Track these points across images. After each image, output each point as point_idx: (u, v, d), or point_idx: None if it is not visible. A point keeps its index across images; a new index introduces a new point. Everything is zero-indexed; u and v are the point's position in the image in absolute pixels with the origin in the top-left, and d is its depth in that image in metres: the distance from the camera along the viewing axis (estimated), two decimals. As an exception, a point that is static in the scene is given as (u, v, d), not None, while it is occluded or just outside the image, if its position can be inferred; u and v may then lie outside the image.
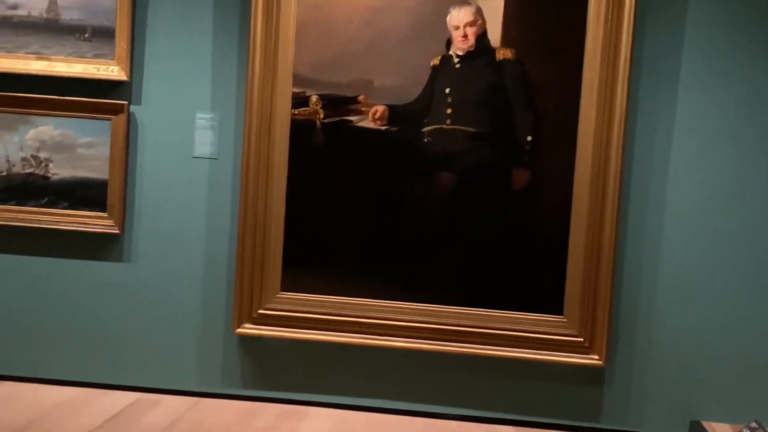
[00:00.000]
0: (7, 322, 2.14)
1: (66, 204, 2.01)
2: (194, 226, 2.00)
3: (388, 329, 2.01)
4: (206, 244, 2.01)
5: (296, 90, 1.92)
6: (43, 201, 2.01)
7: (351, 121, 1.94)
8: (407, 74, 1.97)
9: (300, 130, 1.93)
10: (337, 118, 1.92)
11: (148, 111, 1.98)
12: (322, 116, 1.93)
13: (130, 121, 1.98)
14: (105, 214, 2.00)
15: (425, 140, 1.99)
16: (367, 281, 2.00)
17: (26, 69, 2.03)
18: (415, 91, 1.97)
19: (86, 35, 1.97)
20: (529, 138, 1.96)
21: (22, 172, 2.03)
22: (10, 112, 2.03)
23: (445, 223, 1.99)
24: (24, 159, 2.03)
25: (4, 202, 2.03)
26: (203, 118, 1.99)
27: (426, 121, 1.97)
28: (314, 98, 1.95)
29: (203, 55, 1.96)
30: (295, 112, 1.94)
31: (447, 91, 1.98)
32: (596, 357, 1.97)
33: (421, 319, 2.01)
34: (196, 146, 1.99)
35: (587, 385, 1.99)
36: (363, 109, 1.92)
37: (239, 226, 1.93)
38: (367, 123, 1.92)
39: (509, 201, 1.97)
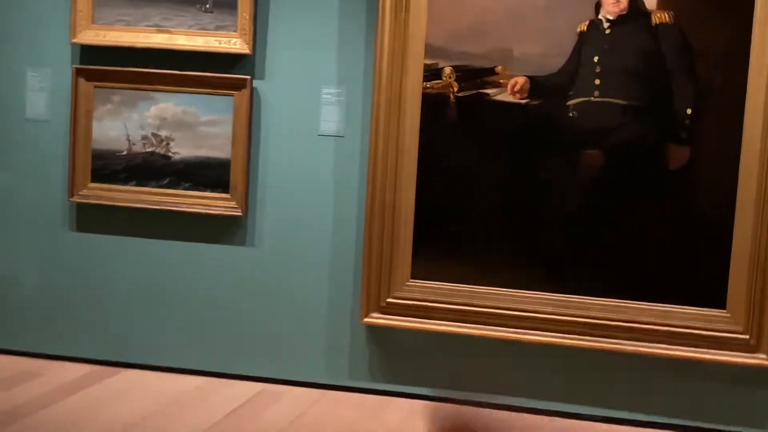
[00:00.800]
0: (128, 306, 3.11)
1: (188, 185, 2.92)
2: (320, 208, 2.84)
3: (527, 321, 2.75)
4: (332, 227, 2.84)
5: (428, 62, 2.68)
6: (165, 182, 2.94)
7: (488, 94, 2.66)
8: (550, 42, 2.69)
9: (432, 105, 2.66)
10: (473, 92, 2.64)
11: (272, 86, 2.84)
12: (456, 89, 2.66)
13: (253, 96, 2.85)
14: (228, 196, 2.89)
15: (570, 114, 2.70)
16: (505, 269, 2.74)
17: (146, 42, 3.01)
18: (559, 61, 2.69)
19: (207, 6, 2.86)
20: (689, 111, 2.60)
21: (143, 151, 2.98)
22: (130, 89, 3.01)
23: (592, 207, 2.70)
24: (144, 137, 2.98)
25: (125, 182, 3.02)
26: (329, 93, 2.83)
27: (571, 93, 2.68)
28: (448, 70, 2.73)
29: (329, 26, 2.76)
30: (427, 86, 2.68)
31: (595, 59, 2.70)
32: (764, 356, 2.61)
33: (563, 311, 2.75)
34: (321, 123, 2.83)
35: (753, 387, 2.65)
36: (501, 81, 2.63)
37: (367, 209, 2.71)
38: (506, 96, 2.62)
39: (665, 182, 2.64)
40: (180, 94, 2.93)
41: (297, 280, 2.89)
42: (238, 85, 2.83)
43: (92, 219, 3.01)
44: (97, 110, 2.97)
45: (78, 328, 3.07)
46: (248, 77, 2.81)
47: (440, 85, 2.71)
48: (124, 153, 2.99)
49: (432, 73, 2.72)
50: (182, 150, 2.95)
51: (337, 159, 2.86)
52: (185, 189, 2.94)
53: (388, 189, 2.77)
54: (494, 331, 2.76)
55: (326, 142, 2.86)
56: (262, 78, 2.87)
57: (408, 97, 2.72)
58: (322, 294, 2.93)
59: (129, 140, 3.02)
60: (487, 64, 2.69)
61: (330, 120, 2.84)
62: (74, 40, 2.94)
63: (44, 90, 3.04)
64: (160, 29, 3.03)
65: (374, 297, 2.81)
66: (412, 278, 2.78)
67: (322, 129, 2.84)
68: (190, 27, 2.97)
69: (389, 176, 2.76)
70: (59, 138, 3.01)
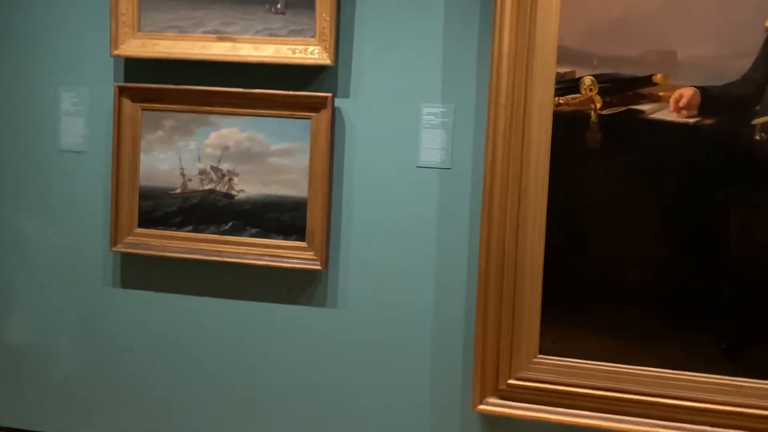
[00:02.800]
0: (181, 381, 2.87)
1: (254, 231, 2.65)
2: (420, 261, 2.56)
3: (702, 414, 2.40)
4: (436, 285, 2.55)
5: (561, 70, 2.36)
6: (227, 227, 2.68)
7: (642, 111, 2.33)
8: (728, 41, 2.32)
9: (567, 126, 2.36)
10: (622, 108, 2.32)
11: (359, 105, 2.55)
12: (599, 106, 2.33)
13: (335, 119, 2.55)
14: (304, 244, 2.61)
15: (756, 137, 2.34)
16: (669, 344, 2.39)
17: (204, 54, 2.71)
18: (740, 66, 2.32)
19: (278, 6, 2.56)
20: None
21: (201, 188, 2.71)
22: (184, 111, 2.71)
23: None
24: (202, 171, 2.71)
25: (179, 227, 2.75)
26: (432, 114, 2.53)
27: (758, 109, 2.32)
28: (588, 80, 2.38)
29: (431, 27, 2.47)
30: (561, 102, 2.37)
31: None
32: None
33: (746, 401, 2.39)
34: (422, 152, 2.54)
35: None
36: (661, 93, 2.30)
37: (481, 263, 2.40)
38: (668, 114, 2.30)
39: None
40: (245, 117, 2.66)
41: (391, 352, 2.62)
42: (318, 105, 2.56)
43: (140, 272, 2.80)
44: (145, 138, 2.73)
45: (120, 405, 2.89)
46: (329, 95, 2.53)
47: (578, 100, 2.41)
48: (178, 191, 2.75)
49: (567, 84, 2.41)
50: (248, 187, 2.69)
51: (442, 197, 2.58)
52: (252, 236, 2.69)
53: (508, 237, 2.47)
54: (653, 426, 2.47)
55: (428, 175, 2.57)
56: (346, 96, 2.60)
57: (535, 117, 2.43)
58: (424, 372, 2.65)
59: (184, 175, 2.76)
60: (641, 72, 2.36)
61: (433, 148, 2.57)
62: (116, 52, 2.69)
63: (80, 114, 2.82)
64: (220, 36, 2.73)
65: (491, 378, 2.55)
66: (541, 353, 2.51)
67: (423, 159, 2.57)
68: (257, 33, 2.67)
69: (510, 221, 2.46)
70: (99, 173, 2.81)
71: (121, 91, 2.70)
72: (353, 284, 2.64)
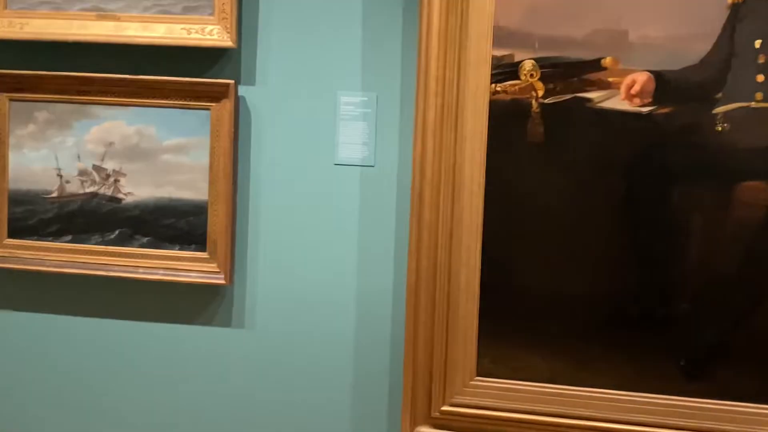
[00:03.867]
0: (62, 411, 2.56)
1: (145, 240, 2.38)
2: (340, 272, 2.32)
3: None
4: (359, 301, 2.33)
5: (499, 53, 2.12)
6: (113, 236, 2.40)
7: (590, 99, 2.11)
8: (686, 19, 2.10)
9: (505, 116, 2.14)
10: (567, 96, 2.11)
11: (266, 94, 2.30)
12: (541, 93, 2.11)
13: (239, 110, 2.28)
14: (205, 254, 2.35)
15: (718, 128, 2.13)
16: (618, 361, 2.15)
17: (82, 34, 2.36)
18: (699, 48, 2.10)
19: None
20: None
21: (81, 192, 2.41)
22: (61, 101, 2.39)
23: (756, 267, 2.13)
24: (83, 172, 2.41)
25: (57, 237, 2.43)
26: (350, 104, 2.28)
27: (719, 96, 2.10)
28: (528, 65, 2.13)
29: (349, 5, 2.24)
30: (498, 89, 2.14)
31: (757, 44, 2.10)
32: None
33: (708, 425, 2.18)
34: (340, 147, 2.31)
35: None
36: (611, 79, 2.08)
37: (410, 273, 2.14)
38: (618, 102, 2.09)
39: None
40: (133, 109, 2.38)
41: (307, 379, 2.38)
42: (218, 94, 2.30)
43: (11, 291, 2.52)
44: (13, 134, 2.44)
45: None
46: (231, 82, 2.27)
47: (517, 87, 2.17)
48: (55, 195, 2.47)
49: (505, 69, 2.17)
50: (137, 189, 2.42)
51: (364, 199, 2.34)
52: (142, 246, 2.42)
53: (441, 244, 2.21)
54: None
55: (347, 175, 2.34)
56: (251, 83, 2.35)
57: (469, 107, 2.17)
58: (344, 400, 2.43)
59: (61, 176, 2.49)
60: (588, 55, 2.12)
61: (352, 143, 2.34)
62: None
63: (-68, 107, 2.39)
64: (101, 14, 2.41)
65: (422, 404, 2.30)
66: (479, 375, 2.28)
67: (341, 156, 2.34)
68: (145, 10, 2.37)
69: (443, 225, 2.21)
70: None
71: (-15, 79, 2.27)
72: (262, 301, 2.40)
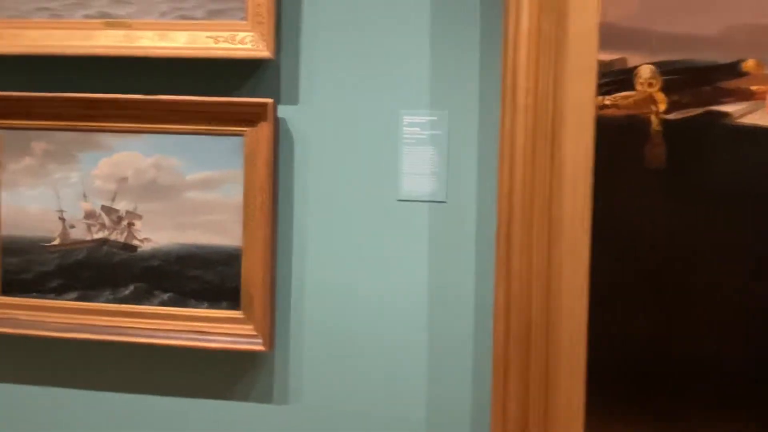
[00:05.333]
0: None
1: (166, 296, 2.09)
2: (407, 335, 2.04)
3: None
4: (429, 372, 2.03)
5: (607, 57, 1.86)
6: (127, 291, 2.10)
7: (726, 114, 1.85)
8: None
9: (616, 137, 1.88)
10: (697, 110, 1.86)
11: (311, 115, 2.03)
12: (663, 107, 1.86)
13: (278, 135, 2.01)
14: (239, 314, 2.05)
15: None
16: None
17: (86, 47, 2.04)
18: None
19: None
20: None
21: (88, 238, 2.12)
22: (61, 128, 2.09)
23: None
24: (90, 214, 2.12)
25: (59, 294, 2.12)
26: (416, 125, 2.00)
27: None
28: (646, 71, 1.87)
29: (415, 4, 1.97)
30: (607, 103, 1.89)
31: None
32: None
33: None
34: (404, 179, 2.01)
35: None
36: (753, 88, 1.82)
37: (497, 338, 1.88)
38: (763, 117, 1.82)
39: None
40: (150, 136, 2.08)
41: None
42: (253, 116, 2.00)
43: (4, 359, 2.23)
44: (6, 169, 2.14)
45: None
46: (270, 101, 1.98)
47: (632, 99, 1.92)
48: (57, 243, 2.16)
49: (615, 77, 1.91)
50: (156, 234, 2.10)
51: (435, 245, 2.03)
52: (163, 303, 2.10)
53: (536, 298, 1.90)
54: None
55: (413, 213, 2.03)
56: (293, 101, 2.05)
57: (569, 126, 1.86)
58: None
59: (64, 220, 2.17)
60: (723, 57, 1.85)
61: (419, 173, 2.02)
62: None
63: None
64: (109, 22, 2.08)
65: None
66: None
67: (405, 190, 2.03)
68: (162, 15, 2.05)
69: (537, 275, 1.90)
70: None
71: (-29, 103, 2.05)
72: (310, 370, 2.10)
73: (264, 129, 1.99)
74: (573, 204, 1.88)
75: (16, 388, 2.25)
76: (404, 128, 2.01)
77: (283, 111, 2.03)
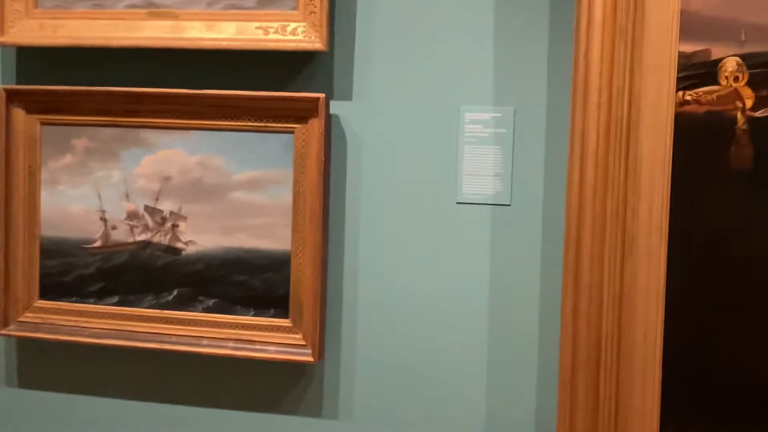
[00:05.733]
0: None
1: (211, 302, 2.02)
2: (465, 348, 1.95)
3: None
4: (489, 388, 1.94)
5: (688, 49, 1.74)
6: (170, 297, 2.04)
7: None
8: None
9: (697, 137, 1.76)
10: None
11: (366, 112, 1.96)
12: (749, 104, 1.72)
13: (331, 132, 1.94)
14: (287, 322, 1.98)
15: None
16: None
17: (130, 38, 1.96)
18: None
19: None
20: None
21: (130, 240, 2.06)
22: (104, 124, 2.03)
23: None
24: (132, 214, 2.05)
25: (100, 298, 2.06)
26: (478, 122, 1.91)
27: None
28: (731, 64, 1.73)
29: None
30: (688, 98, 1.76)
31: None
32: None
33: None
34: (463, 180, 1.93)
35: None
36: None
37: (564, 355, 1.78)
38: None
39: None
40: (195, 133, 2.00)
41: None
42: (304, 112, 1.93)
43: (43, 366, 2.16)
44: (46, 166, 2.07)
45: None
46: (322, 96, 1.89)
47: (716, 95, 1.76)
48: (98, 244, 2.09)
49: (697, 71, 1.76)
50: (201, 237, 2.03)
51: (497, 251, 1.93)
52: (207, 310, 2.03)
53: (607, 312, 1.79)
54: None
55: (474, 216, 1.93)
56: (347, 97, 1.97)
57: (645, 124, 1.76)
58: None
59: (105, 221, 2.09)
60: None
61: (481, 173, 1.94)
62: (1, 39, 2.02)
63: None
64: (153, 12, 1.99)
65: None
66: None
67: (466, 192, 1.94)
68: (209, 5, 1.97)
69: (609, 286, 1.79)
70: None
71: (9, 97, 2.04)
72: (361, 383, 2.02)
73: (315, 126, 1.91)
74: (649, 210, 1.77)
75: (54, 396, 2.19)
76: (465, 126, 1.92)
77: (335, 107, 1.95)
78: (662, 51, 1.75)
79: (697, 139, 1.78)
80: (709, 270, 1.79)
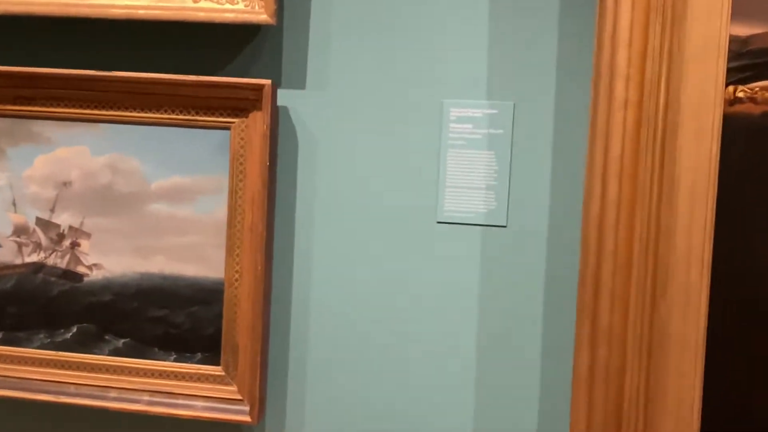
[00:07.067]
0: None
1: (121, 343, 1.75)
2: (449, 408, 1.69)
3: None
4: None
5: (742, 31, 1.50)
6: (68, 335, 1.77)
7: None
8: None
9: (753, 143, 1.53)
10: None
11: (323, 104, 1.69)
12: None
13: (278, 129, 1.68)
14: (218, 370, 1.71)
15: None
16: None
17: (18, 4, 1.67)
18: None
19: None
20: None
21: (17, 262, 1.77)
22: None
23: None
24: (20, 229, 1.76)
25: None
26: (468, 120, 1.63)
27: None
28: None
29: None
30: (741, 95, 1.54)
31: None
32: None
33: None
34: (446, 193, 1.66)
35: None
36: None
37: (574, 411, 1.54)
38: None
39: None
40: (104, 127, 1.71)
41: None
42: (243, 103, 1.65)
43: None
44: None
45: None
46: (267, 82, 1.61)
47: None
48: None
49: (753, 60, 1.50)
50: (109, 260, 1.73)
51: (489, 284, 1.64)
52: (116, 353, 1.75)
53: (631, 366, 1.52)
54: None
55: (460, 239, 1.64)
56: (299, 85, 1.68)
57: (686, 126, 1.48)
58: None
59: None
60: None
61: (469, 186, 1.65)
62: None
63: None
64: None
65: None
66: None
67: (449, 209, 1.65)
68: None
69: (635, 335, 1.52)
70: None
71: None
72: None
73: (258, 121, 1.64)
74: (688, 237, 1.49)
75: None
76: (450, 125, 1.64)
77: (285, 97, 1.68)
78: (709, 34, 1.48)
79: (752, 148, 1.54)
80: (762, 316, 1.56)
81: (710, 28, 1.48)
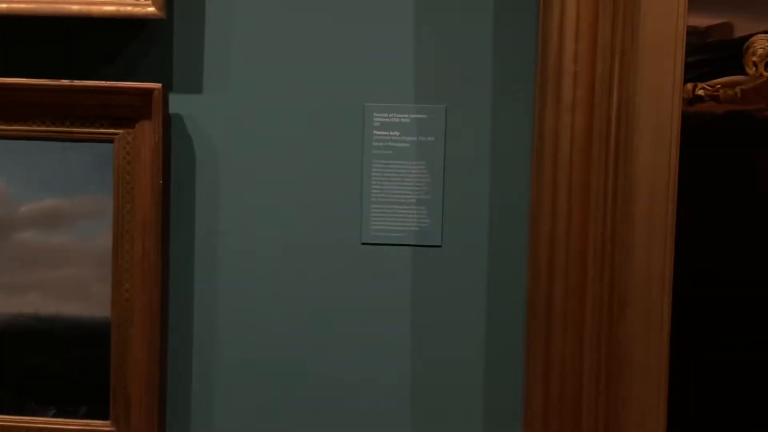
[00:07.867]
0: None
1: None
2: None
3: None
4: None
5: (701, 21, 1.46)
6: None
7: None
8: None
9: (715, 145, 1.48)
10: None
11: (225, 110, 1.56)
12: None
13: (172, 140, 1.53)
14: (107, 426, 1.57)
15: None
16: None
17: None
18: None
19: None
20: None
21: None
22: None
23: None
24: None
25: None
26: (393, 126, 1.53)
27: None
28: (763, 44, 1.46)
29: None
30: (701, 93, 1.49)
31: None
32: None
33: None
34: (371, 212, 1.55)
35: None
36: None
37: None
38: None
39: None
40: None
41: None
42: (129, 111, 1.50)
43: None
44: None
45: None
46: (158, 86, 1.46)
47: (740, 88, 1.46)
48: None
49: (714, 54, 1.45)
50: None
51: (422, 314, 1.51)
52: None
53: (589, 396, 1.46)
54: None
55: (389, 262, 1.51)
56: (195, 89, 1.52)
57: (642, 129, 1.41)
58: None
59: None
60: None
61: (397, 201, 1.53)
62: None
63: None
64: None
65: None
66: None
67: (375, 228, 1.52)
68: None
69: (590, 367, 1.44)
70: None
71: None
72: None
73: (147, 131, 1.50)
74: (647, 252, 1.42)
75: None
76: (374, 132, 1.52)
77: (178, 103, 1.53)
78: (665, 27, 1.41)
79: (715, 150, 1.47)
80: (730, 337, 1.49)
81: (666, 19, 1.41)
